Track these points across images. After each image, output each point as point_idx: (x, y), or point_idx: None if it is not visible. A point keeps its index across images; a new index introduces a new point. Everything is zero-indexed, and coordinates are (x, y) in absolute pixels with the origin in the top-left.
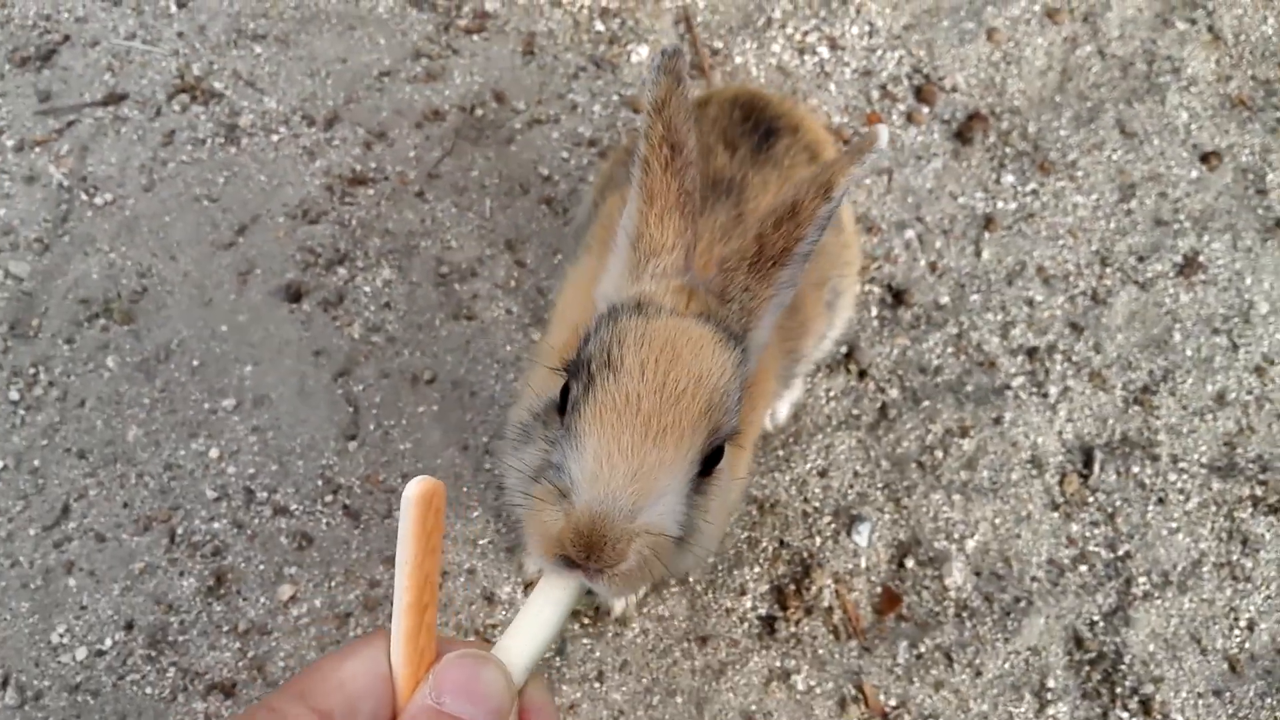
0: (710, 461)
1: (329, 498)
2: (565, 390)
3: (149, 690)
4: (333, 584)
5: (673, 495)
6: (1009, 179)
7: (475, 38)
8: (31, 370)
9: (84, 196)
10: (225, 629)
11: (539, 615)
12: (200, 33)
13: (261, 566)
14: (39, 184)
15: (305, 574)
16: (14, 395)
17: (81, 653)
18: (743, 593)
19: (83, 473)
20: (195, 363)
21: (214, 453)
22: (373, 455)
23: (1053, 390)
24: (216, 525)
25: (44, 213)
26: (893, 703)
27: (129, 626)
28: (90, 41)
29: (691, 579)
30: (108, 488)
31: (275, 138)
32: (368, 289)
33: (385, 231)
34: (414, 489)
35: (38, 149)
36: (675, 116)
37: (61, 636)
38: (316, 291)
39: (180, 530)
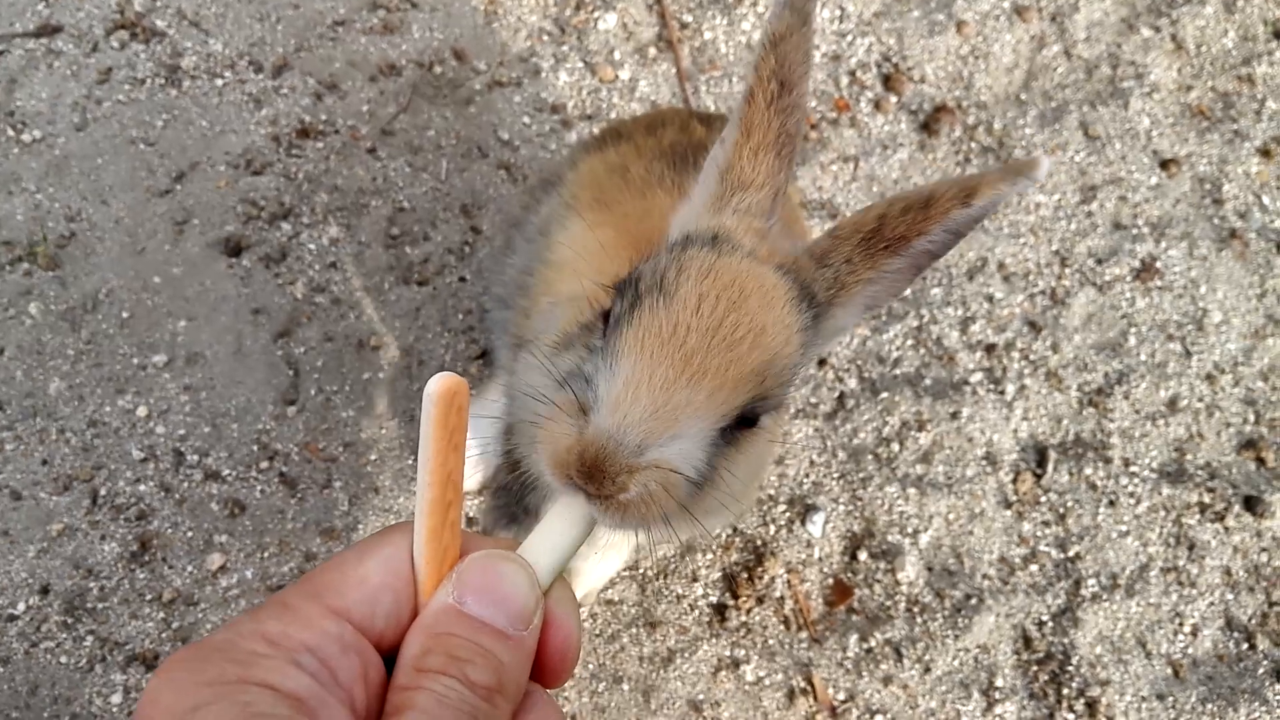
0: (748, 422)
1: (264, 464)
2: (613, 308)
3: (64, 659)
4: (265, 555)
5: (692, 440)
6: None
7: None
8: None
9: (10, 132)
10: (149, 598)
11: (562, 521)
12: None
13: (189, 533)
14: None
15: (236, 543)
16: None
17: None
18: (694, 579)
19: None
20: (125, 315)
21: (142, 411)
22: (312, 422)
23: (1010, 388)
24: (142, 488)
25: None
26: (841, 696)
27: (44, 591)
28: None
29: (644, 566)
30: (26, 442)
31: (219, 82)
32: (313, 246)
33: (334, 188)
34: (435, 385)
35: None
36: (791, 54)
37: None
38: (258, 246)
39: (103, 491)
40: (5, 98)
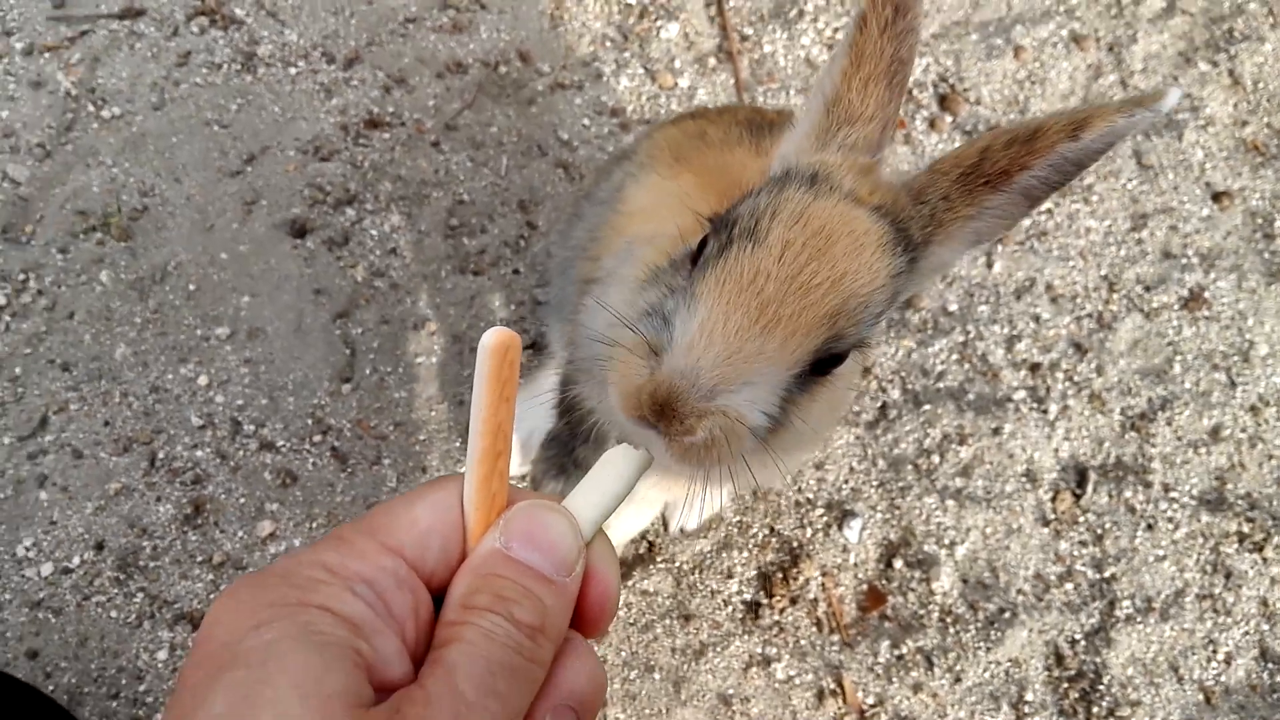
0: (827, 363)
1: (317, 438)
2: (703, 244)
3: (114, 614)
4: (314, 525)
5: (764, 387)
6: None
7: None
8: (21, 276)
9: (91, 108)
10: (199, 559)
11: (606, 476)
12: None
13: (242, 500)
14: (45, 90)
15: (286, 512)
16: (0, 300)
17: (47, 568)
18: (729, 576)
19: (65, 385)
20: (191, 287)
21: (203, 380)
22: (366, 400)
23: (1053, 407)
24: (199, 453)
25: (48, 119)
26: (870, 700)
27: (99, 547)
28: None
29: (679, 560)
30: (90, 404)
31: (293, 71)
32: (374, 232)
33: (397, 177)
34: (490, 339)
35: (47, 54)
36: None
37: (28, 550)
38: (322, 230)
39: (161, 455)
40: (88, 75)
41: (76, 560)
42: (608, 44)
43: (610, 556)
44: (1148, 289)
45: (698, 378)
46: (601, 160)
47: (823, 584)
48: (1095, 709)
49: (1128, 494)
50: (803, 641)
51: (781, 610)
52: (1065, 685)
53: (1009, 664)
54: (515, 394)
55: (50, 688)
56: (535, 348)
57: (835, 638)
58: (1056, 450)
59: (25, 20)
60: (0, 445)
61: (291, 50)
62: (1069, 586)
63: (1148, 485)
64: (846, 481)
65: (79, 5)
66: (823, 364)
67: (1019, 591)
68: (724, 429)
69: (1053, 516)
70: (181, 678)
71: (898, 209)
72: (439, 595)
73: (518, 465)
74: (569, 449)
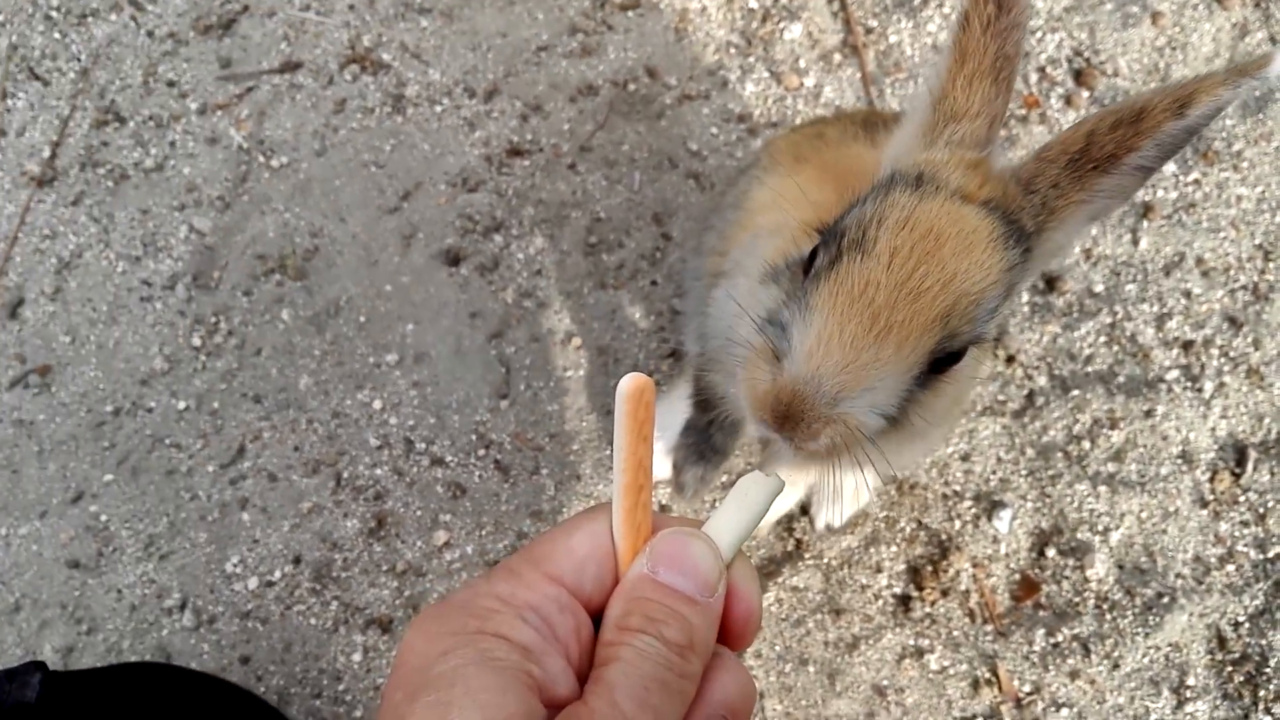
0: (945, 361)
1: (481, 452)
2: (814, 254)
3: (313, 621)
4: (483, 533)
5: (884, 391)
6: (1170, 167)
7: (630, 14)
8: (213, 319)
9: (261, 159)
10: (384, 568)
11: (741, 502)
12: (370, 5)
13: (419, 512)
14: (220, 145)
15: (458, 521)
16: (196, 341)
17: (253, 582)
18: (878, 570)
19: (257, 416)
20: (361, 319)
21: (377, 404)
22: (522, 414)
23: (1208, 385)
24: (378, 471)
25: (225, 172)
26: (1027, 688)
27: (297, 561)
28: (268, 12)
29: (827, 556)
30: (280, 431)
31: (438, 108)
32: (521, 255)
33: (539, 201)
34: (627, 384)
35: (219, 112)
36: None
37: (235, 567)
38: (474, 257)
39: (345, 474)
40: (256, 128)
41: (278, 574)
42: (732, 51)
43: (751, 575)
44: None
45: (820, 384)
46: (731, 168)
47: (974, 575)
48: (1262, 692)
49: None
50: (955, 632)
51: (933, 602)
52: (1229, 669)
53: (1169, 649)
54: (652, 433)
55: (262, 690)
56: (675, 356)
57: (989, 628)
58: (1213, 429)
59: (197, 82)
60: (205, 473)
61: (436, 89)
62: (1230, 568)
63: None
64: (994, 472)
65: (243, 63)
66: (940, 362)
67: (1178, 575)
68: (844, 436)
69: (1211, 497)
70: (385, 696)
71: (1008, 201)
72: (597, 617)
73: (660, 455)
74: (706, 435)
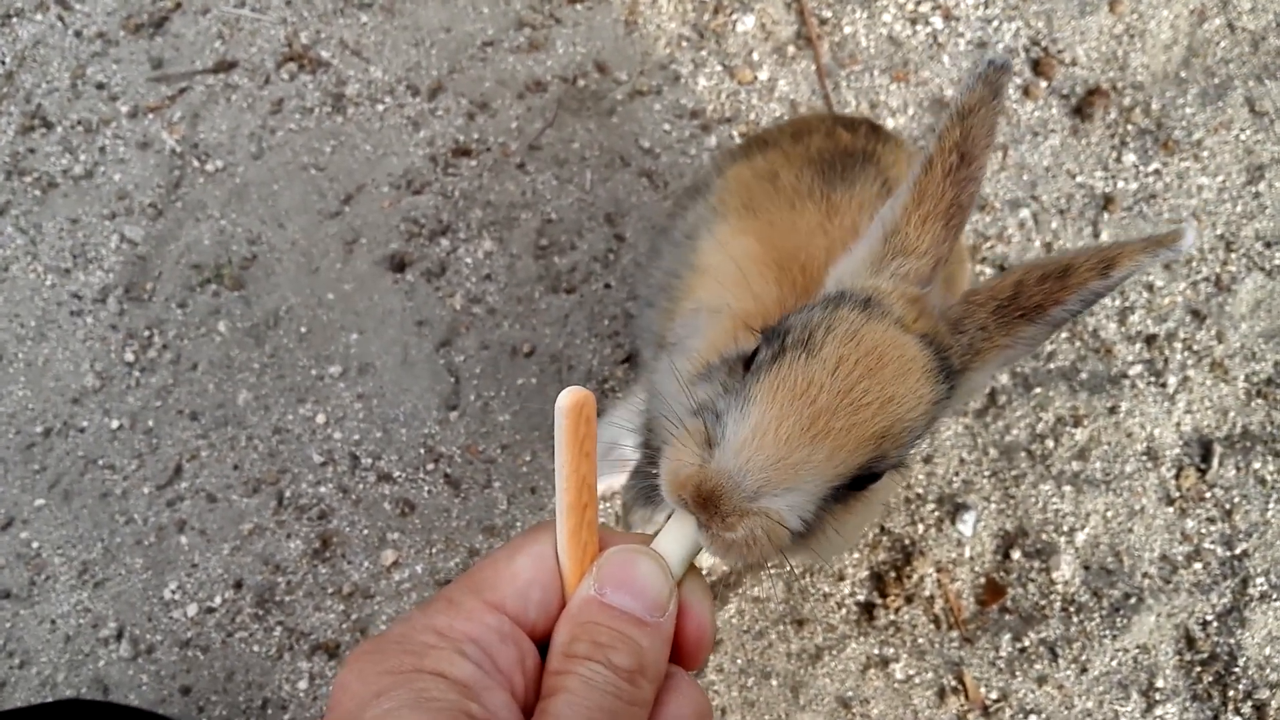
0: (866, 479)
1: (430, 466)
2: (756, 352)
3: (256, 648)
4: (433, 550)
5: (805, 495)
6: (1130, 158)
7: (578, 6)
8: (146, 333)
9: (195, 163)
10: (330, 591)
11: (691, 516)
12: (307, 1)
13: (365, 531)
14: (152, 150)
15: (407, 540)
16: (129, 357)
17: (192, 609)
18: (841, 578)
19: (195, 434)
20: (303, 329)
21: (320, 418)
22: (473, 425)
23: (1171, 380)
24: (323, 489)
25: (158, 178)
26: (994, 695)
27: (238, 585)
28: (201, 9)
29: (787, 566)
30: (218, 449)
31: (380, 107)
32: (469, 260)
33: (487, 203)
34: (565, 400)
35: (151, 115)
36: (977, 129)
37: (173, 593)
38: (420, 262)
39: (288, 493)
40: (190, 131)
41: (218, 599)
42: (684, 44)
43: (703, 591)
44: (1268, 245)
45: (744, 479)
46: (685, 165)
47: (938, 580)
48: (1231, 692)
49: (1256, 465)
50: (920, 640)
51: (897, 609)
52: (1198, 669)
53: (1137, 650)
54: (594, 448)
55: None
56: (630, 361)
57: (954, 634)
58: (1178, 425)
59: (128, 83)
60: (141, 495)
61: (377, 86)
62: (1198, 566)
63: (1278, 454)
64: (957, 474)
65: (176, 64)
66: (862, 479)
67: (1144, 575)
68: (765, 529)
69: (1177, 495)
70: None
71: (940, 338)
72: (543, 643)
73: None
74: (654, 480)
